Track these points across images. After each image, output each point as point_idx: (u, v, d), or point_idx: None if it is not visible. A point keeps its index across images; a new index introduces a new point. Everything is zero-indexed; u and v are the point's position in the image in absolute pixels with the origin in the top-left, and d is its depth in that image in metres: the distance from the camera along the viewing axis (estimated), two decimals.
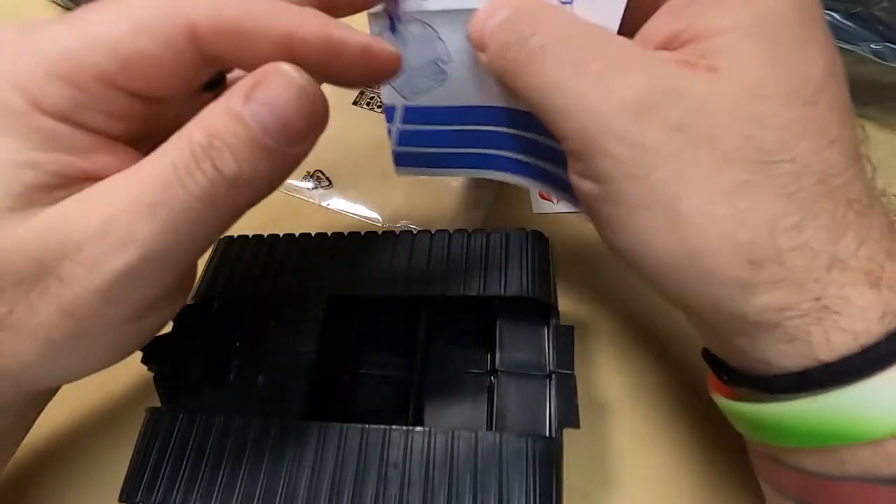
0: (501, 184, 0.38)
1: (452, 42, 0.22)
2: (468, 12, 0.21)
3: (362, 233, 0.30)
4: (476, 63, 0.22)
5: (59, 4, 0.51)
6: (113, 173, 0.17)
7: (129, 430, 0.30)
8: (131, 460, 0.25)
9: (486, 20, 0.19)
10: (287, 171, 0.18)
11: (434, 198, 0.37)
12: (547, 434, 0.24)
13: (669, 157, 0.17)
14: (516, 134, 0.25)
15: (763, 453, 0.21)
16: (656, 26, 0.19)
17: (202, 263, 0.31)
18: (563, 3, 0.20)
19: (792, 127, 0.16)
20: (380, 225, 0.37)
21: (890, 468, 0.16)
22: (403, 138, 0.26)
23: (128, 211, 0.16)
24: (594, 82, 0.17)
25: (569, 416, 0.23)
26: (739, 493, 0.27)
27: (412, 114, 0.25)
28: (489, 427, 0.27)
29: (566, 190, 0.24)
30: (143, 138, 0.19)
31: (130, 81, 0.17)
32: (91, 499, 0.29)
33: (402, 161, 0.27)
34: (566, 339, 0.25)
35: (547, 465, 0.22)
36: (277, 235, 0.31)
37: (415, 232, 0.29)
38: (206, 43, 0.17)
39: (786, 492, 0.19)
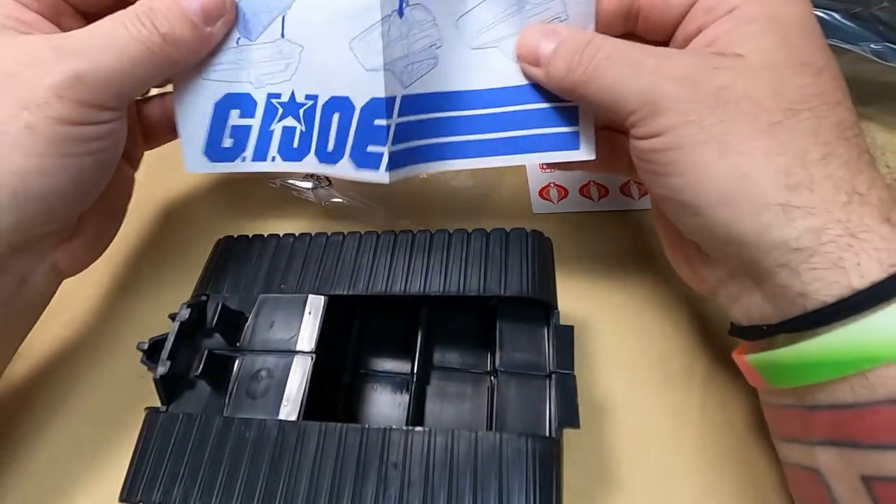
0: (500, 182, 0.38)
1: (444, 27, 0.27)
2: (463, 19, 0.26)
3: (362, 233, 0.30)
4: (459, 48, 0.27)
5: None
6: (38, 28, 0.25)
7: (128, 430, 0.30)
8: (131, 460, 0.25)
9: (541, 48, 0.25)
10: (204, 44, 0.27)
11: (434, 197, 0.37)
12: (547, 434, 0.24)
13: (717, 107, 0.21)
14: (499, 112, 0.27)
15: (789, 409, 0.22)
16: (680, 41, 0.25)
17: (202, 262, 0.31)
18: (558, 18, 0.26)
19: (806, 88, 0.21)
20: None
21: None
22: (398, 133, 0.27)
23: (79, 37, 0.24)
24: (653, 70, 0.22)
25: (569, 416, 0.23)
26: (740, 491, 0.27)
27: (407, 104, 0.27)
28: (489, 427, 0.27)
29: (557, 147, 0.27)
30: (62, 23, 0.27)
31: None
32: (91, 499, 0.29)
33: (396, 162, 0.27)
34: (566, 338, 0.25)
35: (547, 464, 0.22)
36: (277, 235, 0.31)
37: (415, 232, 0.29)
38: None
39: (816, 436, 0.21)
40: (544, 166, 0.39)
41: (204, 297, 0.29)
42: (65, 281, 0.34)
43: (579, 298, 0.33)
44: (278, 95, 0.28)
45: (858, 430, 0.20)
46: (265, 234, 0.31)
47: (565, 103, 0.27)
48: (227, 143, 0.28)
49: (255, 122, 0.28)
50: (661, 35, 0.26)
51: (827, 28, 0.36)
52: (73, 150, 0.24)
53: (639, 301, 0.33)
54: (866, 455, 0.19)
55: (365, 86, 0.26)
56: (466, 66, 0.27)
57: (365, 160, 0.27)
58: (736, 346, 0.26)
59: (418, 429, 0.24)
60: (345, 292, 0.28)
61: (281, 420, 0.25)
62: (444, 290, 0.27)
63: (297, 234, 0.31)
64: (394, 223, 0.37)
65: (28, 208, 0.24)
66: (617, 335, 0.32)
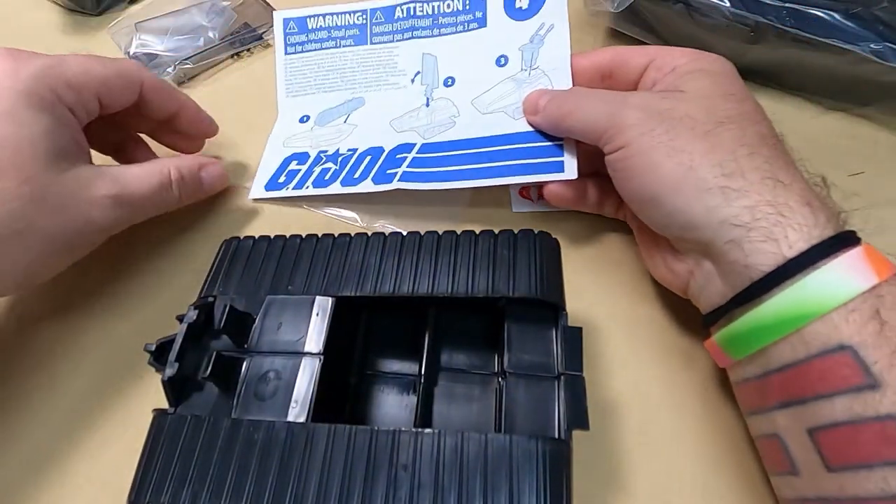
0: None
1: (462, 105, 0.39)
2: (477, 99, 0.38)
3: (369, 234, 0.30)
4: (473, 115, 0.38)
5: (58, 4, 0.51)
6: (83, 145, 0.31)
7: (129, 430, 0.30)
8: (139, 462, 0.25)
9: (539, 101, 0.34)
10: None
11: (410, 197, 0.37)
12: (556, 435, 0.24)
13: (664, 122, 0.27)
14: (500, 149, 0.35)
15: (750, 382, 0.26)
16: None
17: (205, 263, 0.31)
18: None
19: (732, 110, 0.27)
20: (358, 224, 0.38)
21: (838, 337, 0.22)
22: (414, 162, 0.37)
23: (132, 191, 0.31)
24: (616, 101, 0.29)
25: (578, 418, 0.23)
26: (744, 493, 0.28)
27: (426, 147, 0.37)
28: (497, 429, 0.27)
29: (547, 171, 0.33)
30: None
31: (105, 99, 0.32)
32: (91, 499, 0.29)
33: (408, 178, 0.36)
34: (575, 340, 0.25)
35: (557, 466, 0.22)
36: (284, 236, 0.31)
37: (422, 233, 0.29)
38: (144, 92, 0.34)
39: (771, 402, 0.25)
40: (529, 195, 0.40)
41: (211, 299, 0.29)
42: (67, 280, 0.34)
43: (584, 299, 0.33)
44: (326, 151, 0.40)
45: (801, 385, 0.23)
46: (271, 236, 0.31)
47: (553, 142, 0.34)
48: (281, 179, 0.39)
49: (304, 167, 0.39)
50: (630, 89, 0.32)
51: (827, 28, 0.36)
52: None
53: (648, 302, 0.33)
54: (809, 408, 0.23)
55: (395, 139, 0.38)
56: (477, 124, 0.37)
57: (383, 178, 0.37)
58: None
59: (427, 431, 0.24)
60: (352, 293, 0.28)
61: (289, 422, 0.25)
62: (452, 291, 0.27)
63: (303, 236, 0.31)
64: (371, 223, 0.38)
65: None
66: (624, 336, 0.32)
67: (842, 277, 0.22)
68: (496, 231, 0.29)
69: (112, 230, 0.32)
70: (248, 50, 0.48)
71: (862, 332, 0.22)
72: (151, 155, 0.39)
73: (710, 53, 0.30)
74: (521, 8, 0.39)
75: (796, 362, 0.23)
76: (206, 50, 0.47)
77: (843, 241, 0.23)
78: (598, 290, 0.34)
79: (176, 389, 0.26)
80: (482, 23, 0.40)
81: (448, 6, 0.41)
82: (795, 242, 0.23)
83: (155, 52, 0.46)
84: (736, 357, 0.26)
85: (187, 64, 0.46)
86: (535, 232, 0.28)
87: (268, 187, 0.39)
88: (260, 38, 0.48)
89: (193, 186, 0.35)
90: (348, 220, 0.38)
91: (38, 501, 0.29)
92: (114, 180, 0.30)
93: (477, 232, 0.29)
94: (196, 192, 0.36)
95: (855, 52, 0.36)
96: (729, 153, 0.26)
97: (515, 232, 0.28)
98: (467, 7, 0.41)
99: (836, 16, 0.37)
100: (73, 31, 0.50)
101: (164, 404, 0.27)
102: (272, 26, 0.46)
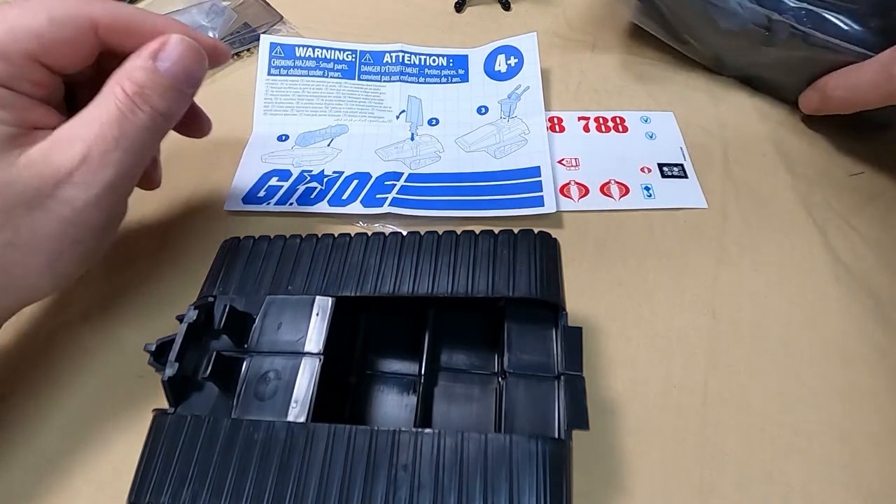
0: None
1: (446, 142, 0.42)
2: (461, 138, 0.42)
3: (369, 234, 0.30)
4: (457, 152, 0.41)
5: None
6: (46, 124, 0.24)
7: (129, 430, 0.30)
8: (139, 462, 0.25)
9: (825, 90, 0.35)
10: (188, 104, 0.28)
11: None
12: (556, 436, 0.24)
13: None
14: (483, 184, 0.38)
15: None
16: None
17: (204, 263, 0.31)
18: None
19: None
20: (358, 225, 0.38)
21: None
22: (402, 189, 0.38)
23: (99, 143, 0.24)
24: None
25: (578, 418, 0.23)
26: (743, 493, 0.28)
27: (413, 177, 0.39)
28: (497, 429, 0.27)
29: (527, 205, 0.36)
30: (51, 98, 0.26)
31: (48, 59, 0.24)
32: (89, 500, 0.29)
33: (397, 203, 0.37)
34: (575, 340, 0.25)
35: (557, 466, 0.22)
36: (284, 236, 0.31)
37: (422, 233, 0.29)
38: (103, 33, 0.25)
39: None
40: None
41: (211, 299, 0.29)
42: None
43: (583, 299, 0.33)
44: (310, 171, 0.40)
45: None
46: (271, 235, 0.31)
47: (532, 178, 0.38)
48: (261, 194, 0.39)
49: (286, 185, 0.39)
50: None
51: (841, 31, 0.36)
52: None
53: (648, 302, 0.33)
54: None
55: (382, 167, 0.40)
56: (462, 160, 0.40)
57: (372, 202, 0.38)
58: None
59: (427, 430, 0.24)
60: (352, 293, 0.28)
61: (289, 422, 0.25)
62: (452, 291, 0.27)
63: (303, 236, 0.31)
64: (369, 226, 0.38)
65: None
66: (623, 336, 0.32)
67: None
68: (496, 231, 0.29)
69: (118, 196, 0.26)
70: (248, 50, 0.48)
71: None
72: None
73: None
74: (499, 71, 0.45)
75: None
76: None
77: None
78: (598, 290, 0.34)
79: (176, 389, 0.26)
80: (464, 79, 0.46)
81: (434, 61, 0.46)
82: None
83: None
84: None
85: None
86: (535, 232, 0.28)
87: (245, 200, 0.39)
88: (260, 38, 0.48)
89: (164, 88, 0.25)
90: (348, 220, 0.38)
91: (33, 501, 0.29)
92: (72, 141, 0.23)
93: (477, 232, 0.29)
94: (176, 92, 0.26)
95: (855, 51, 0.36)
96: None
97: (515, 232, 0.28)
98: (451, 64, 0.46)
99: (850, 21, 0.37)
100: None
101: (164, 404, 0.27)
102: (267, 31, 0.46)
